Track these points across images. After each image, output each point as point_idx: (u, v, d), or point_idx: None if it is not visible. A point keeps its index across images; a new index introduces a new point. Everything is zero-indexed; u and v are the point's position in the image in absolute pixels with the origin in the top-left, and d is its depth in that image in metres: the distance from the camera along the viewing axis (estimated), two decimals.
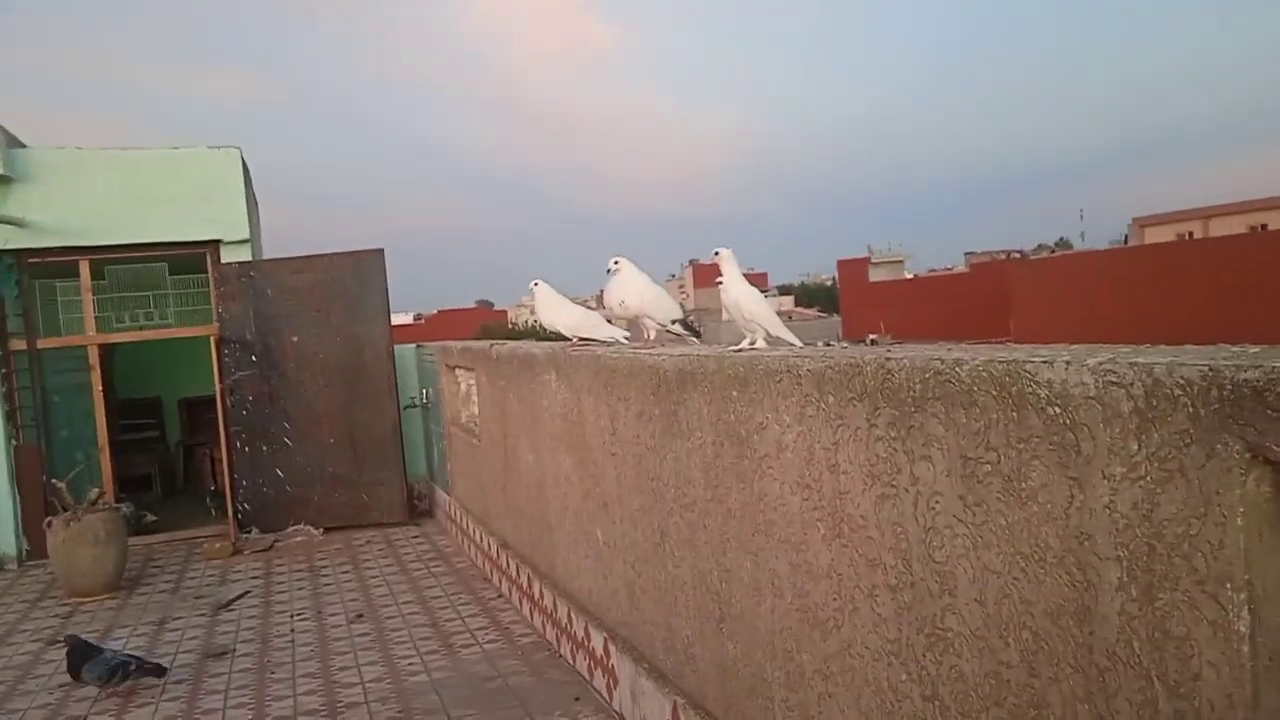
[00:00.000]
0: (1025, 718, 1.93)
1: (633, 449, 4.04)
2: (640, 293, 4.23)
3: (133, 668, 5.20)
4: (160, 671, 5.29)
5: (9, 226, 8.46)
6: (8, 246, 8.59)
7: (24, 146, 8.91)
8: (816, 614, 2.69)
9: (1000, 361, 1.99)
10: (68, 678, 5.20)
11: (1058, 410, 1.81)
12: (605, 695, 4.52)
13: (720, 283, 3.57)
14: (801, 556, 2.76)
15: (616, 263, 4.26)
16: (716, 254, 3.53)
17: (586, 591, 4.86)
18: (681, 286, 72.72)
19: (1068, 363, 1.80)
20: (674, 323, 4.37)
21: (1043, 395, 1.85)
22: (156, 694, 5.18)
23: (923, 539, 2.22)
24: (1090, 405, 1.74)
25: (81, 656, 5.16)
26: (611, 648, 4.43)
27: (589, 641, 4.75)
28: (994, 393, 1.98)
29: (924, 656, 2.23)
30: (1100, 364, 1.74)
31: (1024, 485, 1.90)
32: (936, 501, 2.17)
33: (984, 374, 2.02)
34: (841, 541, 2.55)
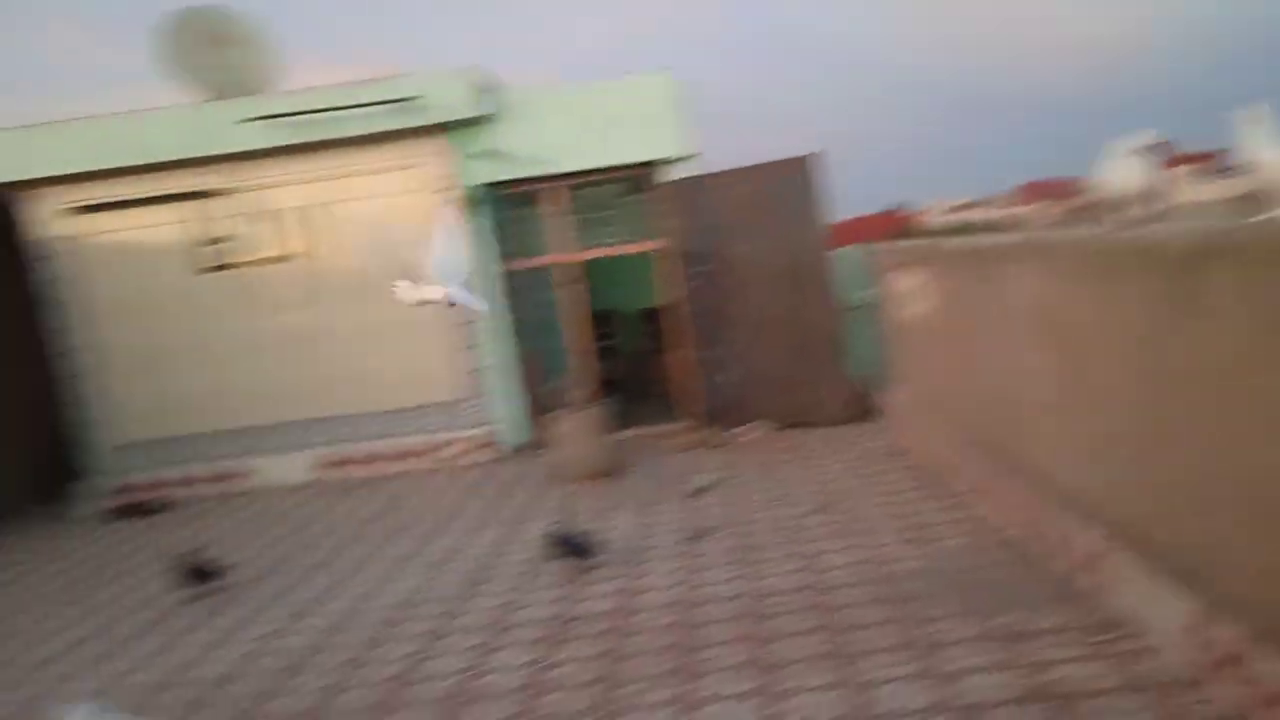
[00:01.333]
0: None
1: (1126, 335, 3.81)
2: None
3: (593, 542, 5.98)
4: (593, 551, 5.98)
5: (495, 161, 9.68)
6: (495, 179, 9.83)
7: (501, 88, 10.06)
8: None
9: None
10: (574, 556, 5.94)
11: None
12: (1094, 594, 4.38)
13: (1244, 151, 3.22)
14: None
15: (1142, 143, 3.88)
16: (1246, 116, 3.17)
17: (1069, 487, 4.70)
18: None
19: None
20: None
21: None
22: (657, 563, 5.83)
23: None
24: None
25: (567, 538, 5.93)
26: (1103, 545, 4.26)
27: (1074, 539, 4.61)
28: None
29: None
30: None
31: None
32: None
33: None
34: None
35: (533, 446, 9.89)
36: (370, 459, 10.02)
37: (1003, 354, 5.51)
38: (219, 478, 10.06)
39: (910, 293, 7.74)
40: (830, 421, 9.40)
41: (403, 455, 10.01)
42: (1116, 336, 3.96)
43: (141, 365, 9.96)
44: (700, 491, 7.53)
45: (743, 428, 9.45)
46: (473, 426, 9.94)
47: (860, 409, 9.55)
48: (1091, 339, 4.22)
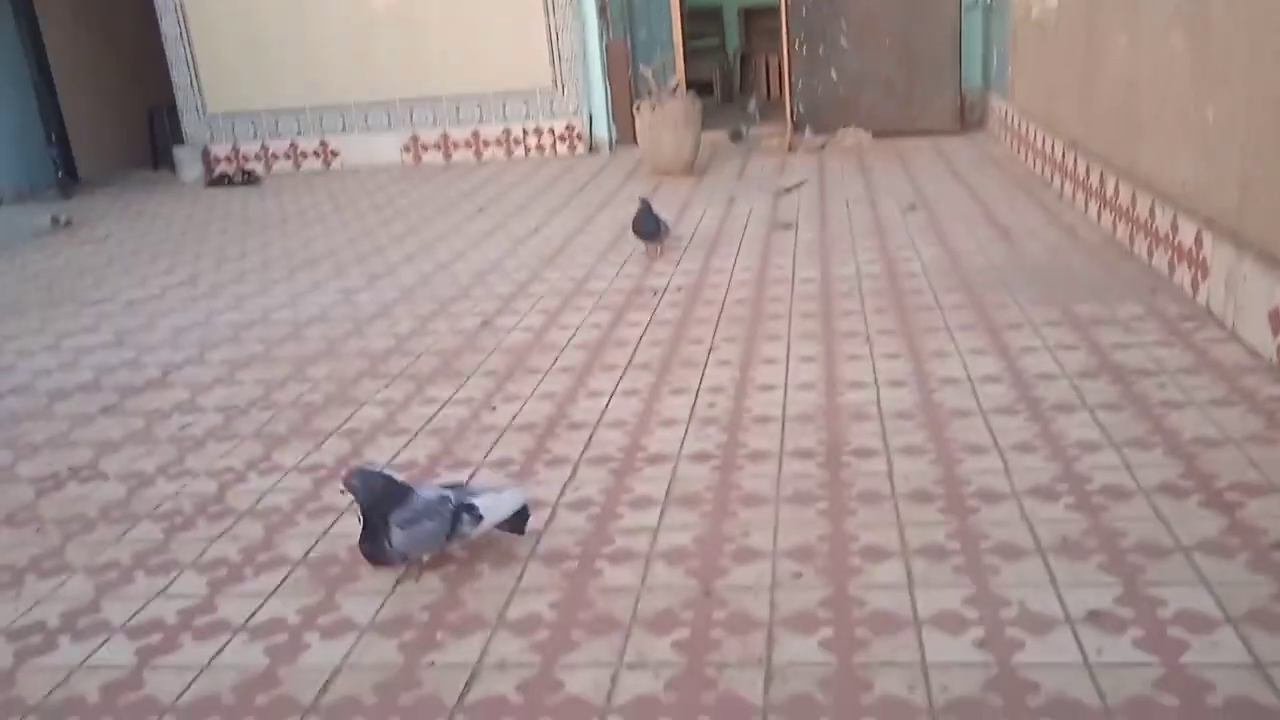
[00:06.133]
0: None
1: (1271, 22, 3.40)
2: None
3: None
4: None
5: None
6: None
7: None
8: None
9: None
10: (653, 237, 5.84)
11: None
12: (1188, 288, 4.21)
13: None
14: None
15: None
16: None
17: (1178, 183, 4.42)
18: None
19: None
20: None
21: None
22: (734, 248, 5.78)
23: None
24: None
25: (651, 218, 5.78)
26: (1206, 238, 4.04)
27: (1175, 235, 4.38)
28: None
29: None
30: None
31: None
32: None
33: None
34: None
35: (618, 142, 9.71)
36: (456, 144, 9.99)
37: (1132, 44, 5.05)
38: (308, 154, 10.17)
39: None
40: (934, 131, 8.95)
41: (489, 143, 9.94)
42: (1261, 15, 3.55)
43: (242, 33, 9.84)
44: (787, 190, 7.35)
45: (838, 133, 9.08)
46: (561, 117, 9.74)
47: (967, 119, 9.07)
48: (1234, 20, 3.80)
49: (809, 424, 3.33)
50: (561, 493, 3.02)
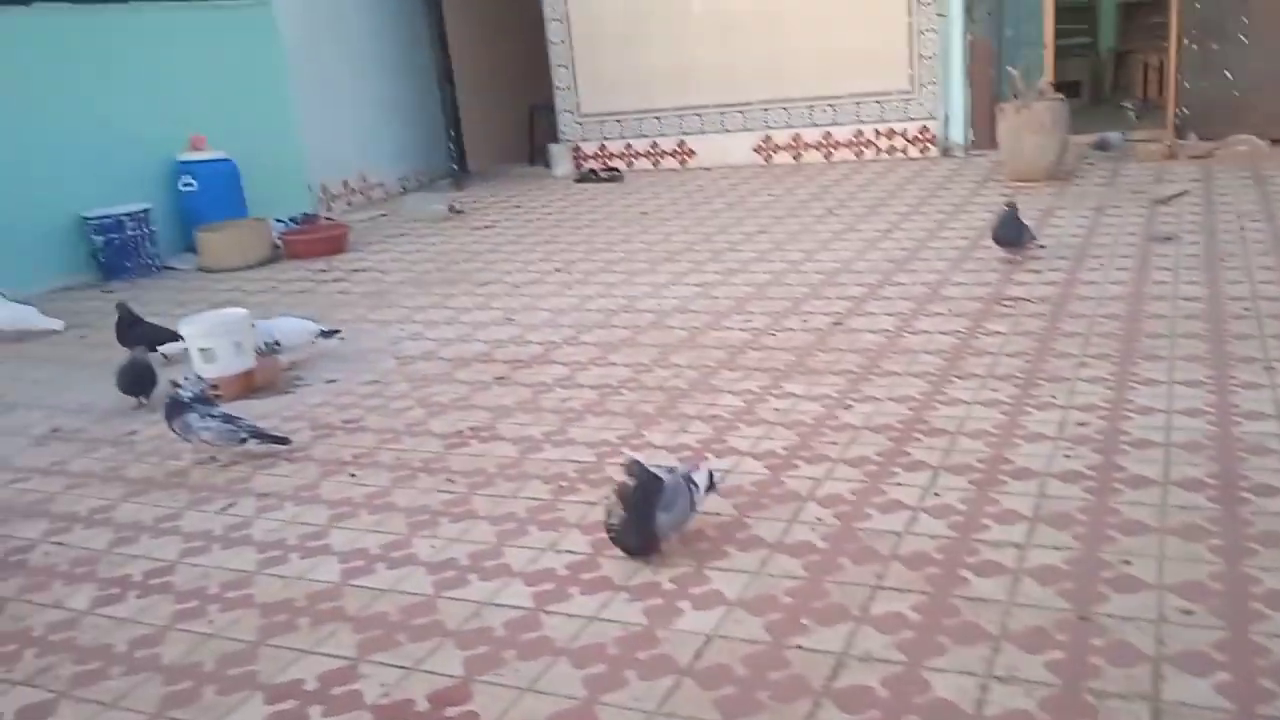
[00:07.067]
0: None
1: None
2: None
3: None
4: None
5: None
6: None
7: None
8: None
9: None
10: (1014, 244, 5.62)
11: None
12: None
13: None
14: None
15: None
16: None
17: None
18: None
19: None
20: None
21: None
22: (1105, 260, 5.43)
23: None
24: None
25: (1015, 224, 5.55)
26: None
27: None
28: None
29: None
30: None
31: None
32: None
33: None
34: None
35: (974, 146, 9.37)
36: (809, 145, 10.06)
37: None
38: (667, 153, 10.67)
39: None
40: None
41: (840, 144, 9.94)
42: None
43: (618, 39, 10.50)
44: (1166, 201, 6.78)
45: (1230, 139, 8.22)
46: (916, 119, 9.55)
47: None
48: None
49: (1197, 453, 3.10)
50: (921, 498, 3.03)
